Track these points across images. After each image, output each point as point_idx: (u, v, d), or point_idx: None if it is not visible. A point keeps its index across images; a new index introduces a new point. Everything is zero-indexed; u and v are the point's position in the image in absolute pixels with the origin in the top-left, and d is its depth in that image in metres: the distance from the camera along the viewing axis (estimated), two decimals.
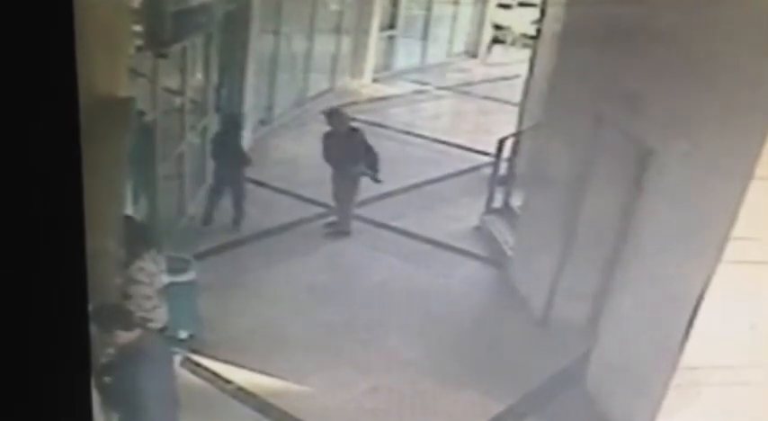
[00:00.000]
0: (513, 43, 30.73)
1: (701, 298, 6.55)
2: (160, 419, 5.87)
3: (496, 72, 27.50)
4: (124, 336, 5.59)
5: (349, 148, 11.43)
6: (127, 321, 5.76)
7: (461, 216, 13.14)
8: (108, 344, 5.60)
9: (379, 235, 12.22)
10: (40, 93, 1.14)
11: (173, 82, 10.77)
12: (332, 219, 12.14)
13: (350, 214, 12.01)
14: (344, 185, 11.76)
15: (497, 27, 29.79)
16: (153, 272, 7.16)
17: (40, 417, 1.32)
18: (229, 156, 11.46)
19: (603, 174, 8.59)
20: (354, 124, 12.02)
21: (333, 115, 11.76)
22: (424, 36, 27.11)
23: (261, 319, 9.27)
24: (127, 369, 5.59)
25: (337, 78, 21.32)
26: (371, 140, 12.02)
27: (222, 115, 12.83)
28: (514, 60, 26.45)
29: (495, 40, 29.59)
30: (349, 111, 15.71)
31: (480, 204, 12.91)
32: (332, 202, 12.17)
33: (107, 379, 5.62)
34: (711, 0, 6.99)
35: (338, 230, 11.94)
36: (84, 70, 1.21)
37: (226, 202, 11.78)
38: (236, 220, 11.75)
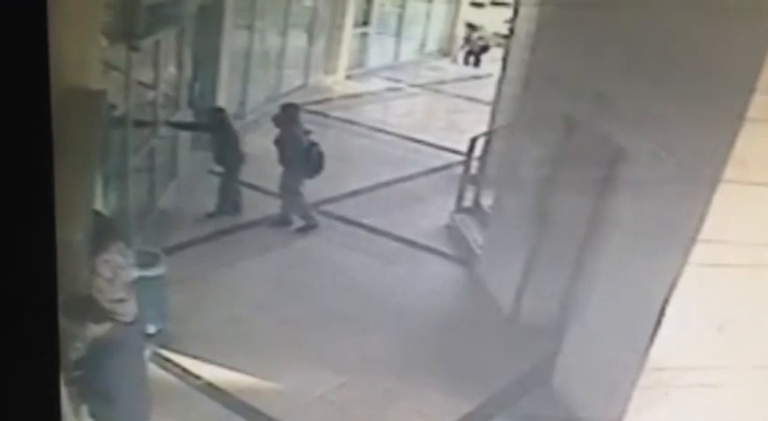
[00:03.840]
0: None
1: (667, 299, 6.61)
2: (131, 411, 5.85)
3: (469, 71, 27.59)
4: (94, 330, 5.56)
5: (298, 150, 11.51)
6: (96, 314, 5.72)
7: (432, 214, 13.15)
8: (78, 337, 5.57)
9: (349, 232, 12.21)
10: (12, 85, 1.14)
11: (145, 75, 10.71)
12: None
13: (307, 207, 12.03)
14: (294, 184, 11.81)
15: (470, 26, 29.86)
16: (119, 265, 7.10)
17: (8, 411, 1.31)
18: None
19: (574, 175, 8.63)
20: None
21: (286, 112, 11.85)
22: (398, 33, 27.12)
23: (230, 315, 9.24)
24: (98, 362, 5.56)
25: (311, 75, 21.27)
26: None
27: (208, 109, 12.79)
28: (487, 59, 26.56)
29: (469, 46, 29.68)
30: (322, 108, 15.74)
31: (451, 203, 12.93)
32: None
33: (77, 372, 5.59)
34: (681, 2, 7.04)
35: (306, 226, 11.96)
36: (55, 62, 1.20)
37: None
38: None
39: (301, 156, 11.48)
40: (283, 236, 11.71)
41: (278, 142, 11.62)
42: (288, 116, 11.69)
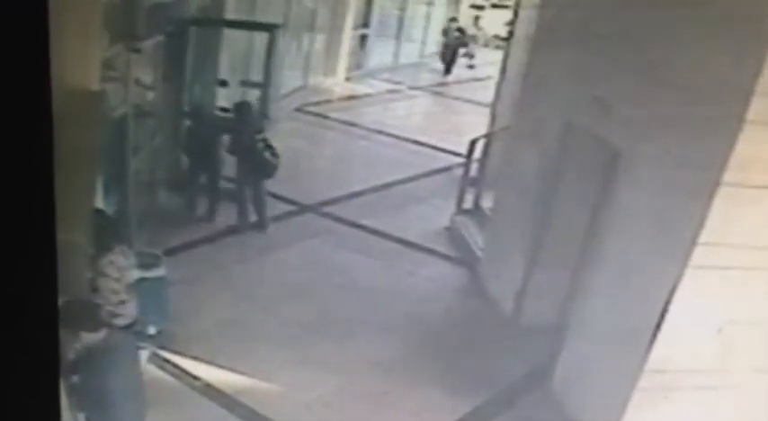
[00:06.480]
0: (486, 44, 30.81)
1: (667, 302, 6.60)
2: (126, 416, 5.83)
3: (469, 73, 27.58)
4: (89, 337, 5.54)
5: (248, 149, 11.47)
6: (93, 321, 5.69)
7: (432, 216, 13.16)
8: (73, 343, 5.55)
9: (350, 233, 12.22)
10: (13, 85, 1.14)
11: (146, 76, 10.70)
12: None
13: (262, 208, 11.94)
14: (247, 182, 11.78)
15: (453, 19, 29.71)
16: (123, 266, 7.12)
17: (7, 415, 1.31)
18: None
19: (573, 177, 8.63)
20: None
21: (237, 110, 11.82)
22: (398, 35, 27.14)
23: (230, 316, 9.24)
24: (92, 369, 5.54)
25: (310, 76, 21.26)
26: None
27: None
28: (487, 62, 26.55)
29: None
30: (321, 110, 15.65)
31: (451, 205, 12.94)
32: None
33: (74, 379, 5.57)
34: (679, 3, 7.04)
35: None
36: (56, 63, 1.20)
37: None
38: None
39: (252, 156, 11.40)
40: (284, 237, 11.68)
41: (232, 140, 11.69)
42: (239, 114, 11.67)
